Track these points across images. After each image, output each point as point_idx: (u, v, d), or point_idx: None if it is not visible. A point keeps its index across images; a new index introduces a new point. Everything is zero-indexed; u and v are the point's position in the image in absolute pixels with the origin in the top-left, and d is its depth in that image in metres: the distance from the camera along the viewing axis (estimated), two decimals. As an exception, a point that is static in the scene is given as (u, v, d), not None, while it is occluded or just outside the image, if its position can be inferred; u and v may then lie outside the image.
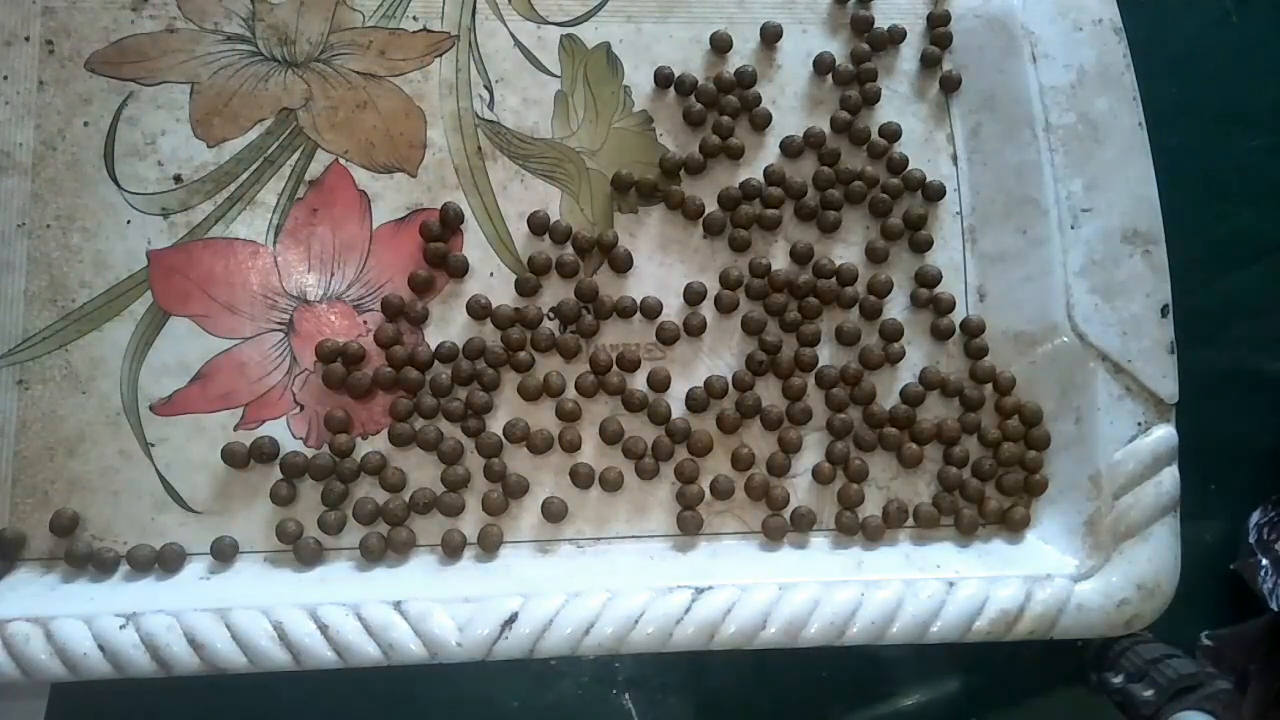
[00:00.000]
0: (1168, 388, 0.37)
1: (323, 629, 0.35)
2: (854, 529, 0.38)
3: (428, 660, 0.35)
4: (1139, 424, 0.37)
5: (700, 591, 0.34)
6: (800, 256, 0.40)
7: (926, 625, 0.37)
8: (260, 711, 0.37)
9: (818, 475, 0.39)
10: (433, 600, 0.33)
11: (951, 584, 0.37)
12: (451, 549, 0.36)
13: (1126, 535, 0.37)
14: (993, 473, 0.39)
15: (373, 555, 0.36)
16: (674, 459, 0.38)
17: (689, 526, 0.37)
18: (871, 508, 0.39)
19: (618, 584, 0.34)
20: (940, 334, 0.39)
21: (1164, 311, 0.37)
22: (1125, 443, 0.37)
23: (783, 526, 0.38)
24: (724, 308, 0.39)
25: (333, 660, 0.35)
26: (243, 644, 0.34)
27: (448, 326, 0.39)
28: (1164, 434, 0.36)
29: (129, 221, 0.38)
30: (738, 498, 0.38)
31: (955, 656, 0.38)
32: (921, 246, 0.41)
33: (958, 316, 0.41)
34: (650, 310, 0.39)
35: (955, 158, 0.42)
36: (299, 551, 0.36)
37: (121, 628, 0.34)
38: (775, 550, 0.38)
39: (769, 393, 0.39)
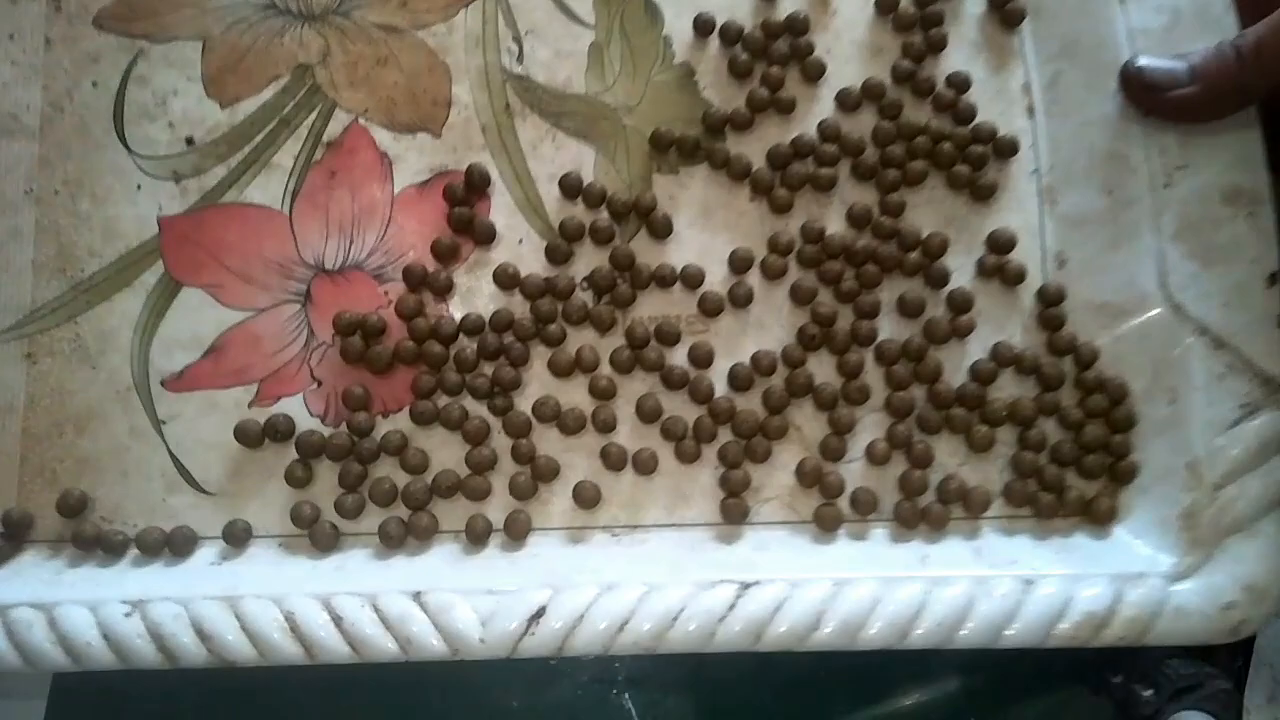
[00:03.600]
0: (1277, 365, 0.32)
1: (337, 621, 0.33)
2: (916, 520, 0.35)
3: (448, 657, 0.32)
4: (1243, 406, 0.33)
5: (746, 586, 0.31)
6: (858, 219, 0.37)
7: (1000, 628, 0.33)
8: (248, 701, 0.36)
9: (875, 459, 0.35)
10: (455, 591, 0.31)
11: (1029, 582, 0.33)
12: (476, 536, 0.34)
13: (1231, 530, 0.32)
14: (1074, 458, 0.35)
15: (392, 542, 0.33)
16: (717, 441, 0.35)
17: (733, 515, 0.34)
18: (935, 496, 0.35)
19: (655, 576, 0.31)
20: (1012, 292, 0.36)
21: (1271, 280, 0.34)
22: (1227, 427, 0.33)
23: (837, 516, 0.35)
24: (772, 276, 0.36)
25: (347, 655, 0.33)
26: (252, 635, 0.31)
27: (474, 297, 0.36)
28: (1272, 418, 0.32)
29: (139, 187, 0.37)
30: (786, 484, 0.35)
31: (955, 656, 0.34)
32: (985, 194, 0.37)
33: (1033, 285, 0.37)
34: (692, 279, 0.36)
35: (1031, 110, 0.38)
36: (314, 537, 0.34)
37: (127, 615, 0.32)
38: (829, 542, 0.34)
39: (822, 370, 0.36)
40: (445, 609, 0.31)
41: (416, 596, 0.31)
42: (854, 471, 0.35)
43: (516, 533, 0.34)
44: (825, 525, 0.35)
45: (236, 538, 0.34)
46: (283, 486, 0.34)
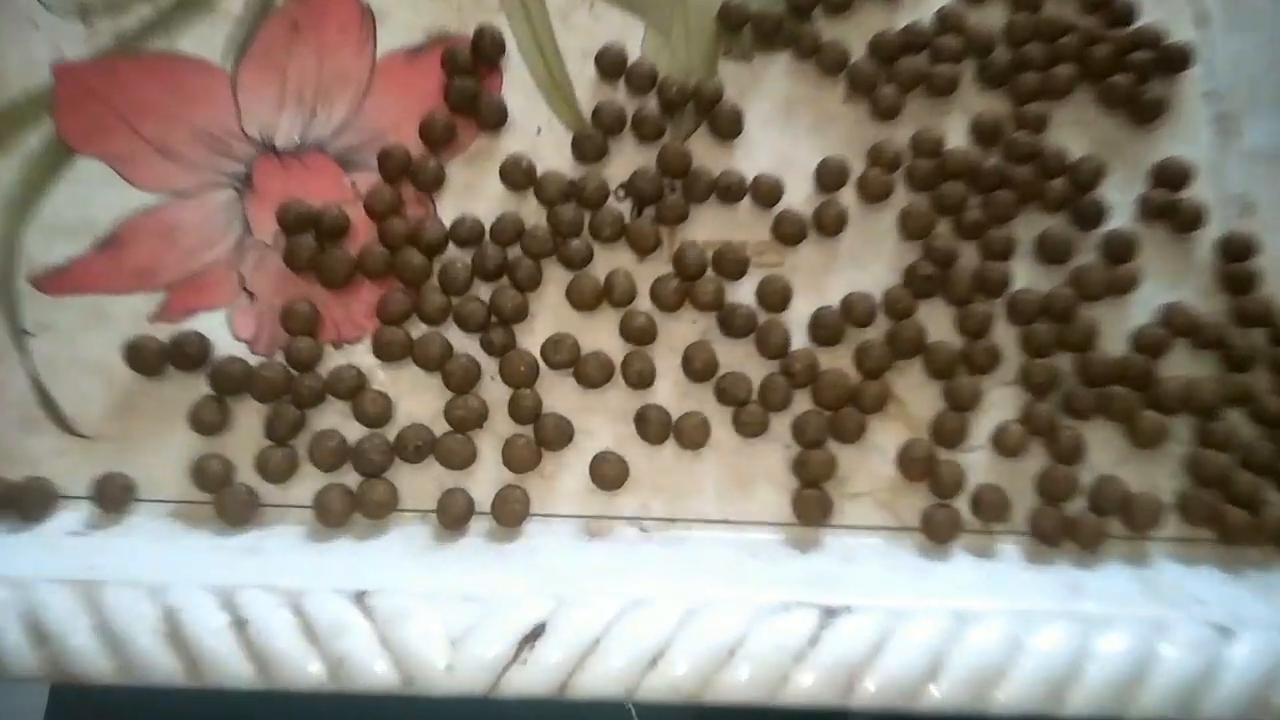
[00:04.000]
0: None
1: (238, 626, 0.23)
2: (1060, 534, 0.28)
3: (398, 689, 0.23)
4: None
5: (831, 614, 0.24)
6: (986, 133, 0.30)
7: (1192, 698, 0.24)
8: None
9: (1005, 448, 0.28)
10: (415, 595, 0.24)
11: (1225, 632, 0.25)
12: (452, 518, 0.27)
13: None
14: (1274, 464, 0.28)
15: (332, 518, 0.26)
16: (791, 410, 0.28)
17: (812, 513, 0.27)
18: (1087, 504, 0.29)
19: (700, 592, 0.24)
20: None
21: None
22: None
23: (953, 522, 0.28)
24: (873, 196, 0.30)
25: (248, 678, 0.23)
26: (112, 640, 0.23)
27: (472, 196, 0.30)
28: None
29: (35, 24, 0.30)
30: (884, 474, 0.28)
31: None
32: (1149, 114, 0.31)
33: (1212, 234, 0.31)
34: (766, 194, 0.29)
35: (1204, 18, 0.32)
36: (223, 504, 0.27)
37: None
38: (942, 558, 0.27)
39: (936, 323, 0.29)
40: (399, 619, 0.23)
41: (359, 599, 0.23)
42: (977, 463, 0.28)
43: (509, 517, 0.27)
44: (937, 534, 0.28)
45: (112, 498, 0.27)
46: (185, 433, 0.27)
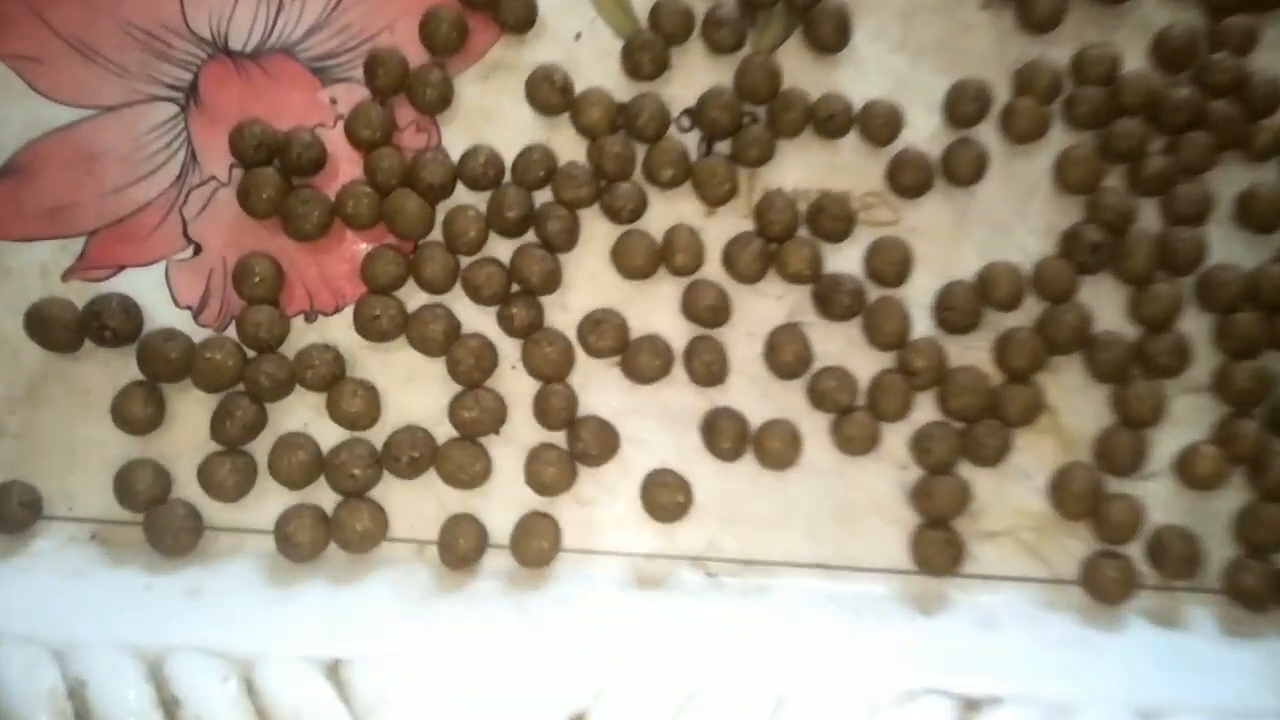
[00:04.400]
0: None
1: (168, 707, 0.20)
2: (1268, 597, 0.24)
3: None
4: None
5: (971, 708, 0.21)
6: (1174, 53, 0.26)
7: None
8: None
9: (1197, 478, 0.25)
10: (407, 666, 0.21)
11: None
12: (458, 555, 0.24)
13: None
14: None
15: (300, 552, 0.23)
16: (909, 419, 0.25)
17: (937, 558, 0.24)
18: None
19: (791, 672, 0.21)
20: None
21: None
22: None
23: (1125, 577, 0.24)
24: (1021, 136, 0.26)
25: None
26: None
27: (488, 122, 0.26)
28: None
29: None
30: (1032, 509, 0.25)
31: None
32: None
33: None
34: (879, 127, 0.26)
35: None
36: (155, 527, 0.23)
37: None
38: (1111, 626, 0.24)
39: (1104, 309, 0.25)
40: (383, 702, 0.20)
41: (332, 671, 0.21)
42: (1156, 497, 0.25)
43: (533, 555, 0.24)
44: (1104, 593, 0.24)
45: (10, 516, 0.24)
46: (107, 430, 0.24)
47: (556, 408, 0.23)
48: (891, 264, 0.24)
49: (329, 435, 0.24)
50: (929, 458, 0.24)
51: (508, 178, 0.25)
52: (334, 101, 0.25)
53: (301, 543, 0.23)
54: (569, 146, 0.25)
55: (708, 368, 0.24)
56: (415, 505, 0.24)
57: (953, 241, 0.25)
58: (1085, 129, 0.25)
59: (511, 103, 0.25)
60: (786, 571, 0.24)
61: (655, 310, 0.25)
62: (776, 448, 0.24)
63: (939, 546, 0.24)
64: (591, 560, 0.24)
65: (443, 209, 0.24)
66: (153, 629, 0.21)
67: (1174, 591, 0.24)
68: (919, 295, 0.25)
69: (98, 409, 0.24)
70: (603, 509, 0.24)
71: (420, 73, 0.25)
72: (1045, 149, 0.26)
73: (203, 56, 0.25)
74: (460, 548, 0.23)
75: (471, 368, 0.23)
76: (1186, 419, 0.25)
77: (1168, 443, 0.25)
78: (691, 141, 0.25)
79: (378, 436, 0.24)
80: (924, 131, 0.25)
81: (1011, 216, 0.25)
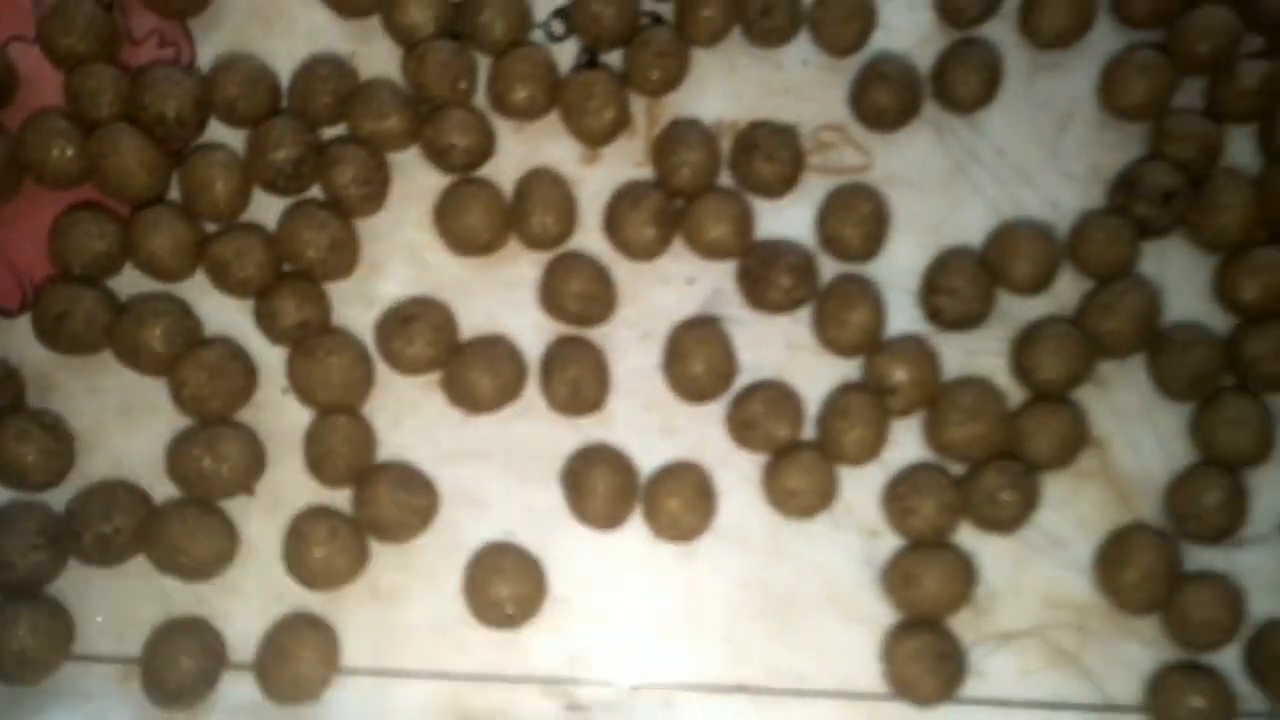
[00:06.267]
0: None
1: None
2: None
3: None
4: None
5: None
6: None
7: None
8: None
9: None
10: None
11: None
12: (170, 688, 0.16)
13: None
14: None
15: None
16: (882, 461, 0.18)
17: (924, 680, 0.17)
18: None
19: None
20: None
21: None
22: None
23: (1218, 703, 0.17)
24: (1052, 32, 0.19)
25: None
26: None
27: (267, 32, 0.19)
28: None
29: None
30: (1071, 596, 0.18)
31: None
32: None
33: None
34: (840, 26, 0.19)
35: None
36: None
37: None
38: None
39: (1179, 286, 0.19)
40: None
41: None
42: (1262, 573, 0.18)
43: (293, 685, 0.17)
44: None
45: None
46: None
47: (338, 452, 0.17)
48: (857, 226, 0.18)
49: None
50: (912, 520, 0.18)
51: (285, 104, 0.18)
52: (40, 3, 0.19)
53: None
54: (385, 63, 0.19)
55: (574, 387, 0.17)
56: (122, 605, 0.17)
57: (950, 194, 0.19)
58: (1146, 25, 0.19)
59: (302, 1, 0.19)
60: (692, 698, 0.18)
61: (502, 301, 0.19)
62: (676, 509, 0.17)
63: (931, 662, 0.17)
64: (389, 687, 0.18)
65: (193, 149, 0.18)
66: None
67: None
68: (898, 274, 0.19)
69: None
70: (410, 607, 0.18)
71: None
72: (1087, 55, 0.19)
73: None
74: (175, 674, 0.16)
75: (206, 392, 0.17)
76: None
77: (1278, 491, 0.19)
78: (568, 55, 0.19)
79: (59, 499, 0.17)
80: (908, 35, 0.19)
81: (1037, 155, 0.19)
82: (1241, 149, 0.19)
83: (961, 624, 0.18)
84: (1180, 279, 0.19)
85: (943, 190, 0.19)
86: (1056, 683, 0.18)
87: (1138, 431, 0.19)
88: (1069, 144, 0.19)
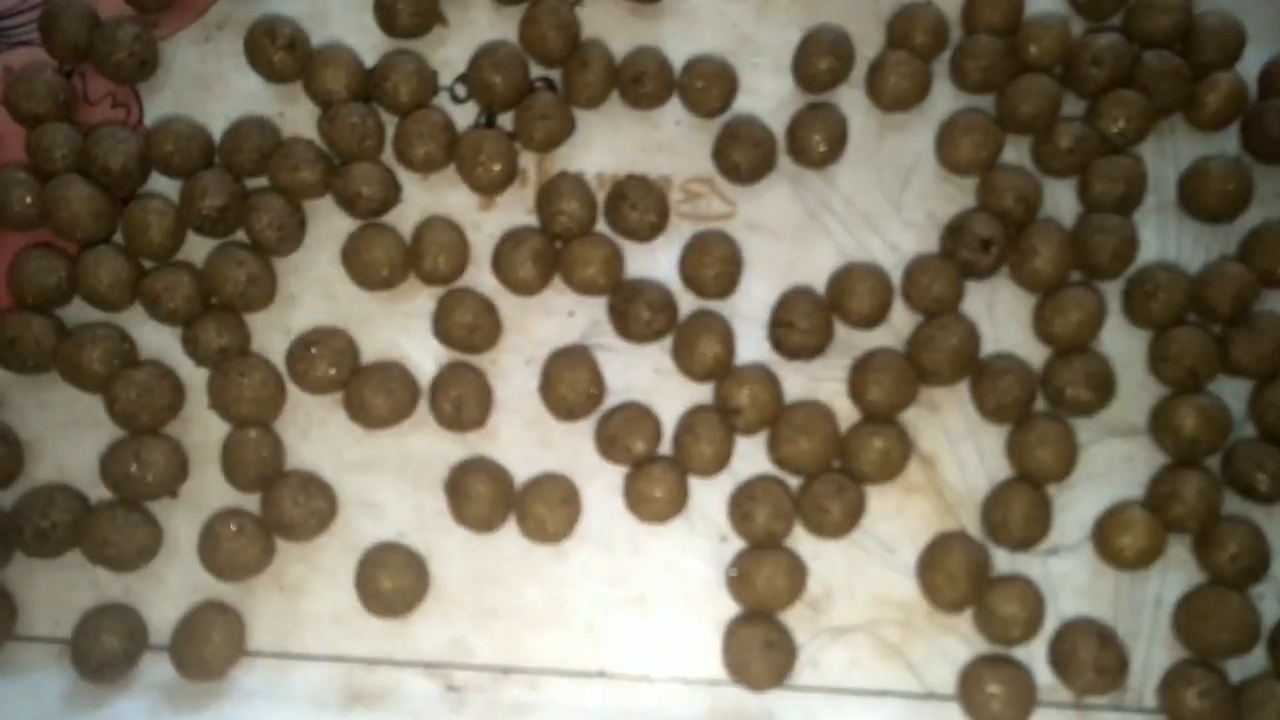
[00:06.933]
0: None
1: None
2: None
3: None
4: None
5: None
6: None
7: None
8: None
9: (1119, 551, 0.19)
10: None
11: None
12: (92, 664, 0.18)
13: None
14: None
15: None
16: (730, 472, 0.20)
17: (757, 668, 0.19)
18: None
19: None
20: None
21: None
22: None
23: (1020, 693, 0.18)
24: (894, 101, 0.21)
25: None
26: None
27: (207, 95, 0.21)
28: None
29: None
30: (895, 596, 0.20)
31: None
32: None
33: None
34: (704, 91, 0.21)
35: None
36: None
37: None
38: None
39: (1000, 324, 0.21)
40: None
41: None
42: (1064, 579, 0.20)
43: (202, 664, 0.18)
44: (992, 713, 0.18)
45: None
46: None
47: (248, 459, 0.19)
48: (711, 268, 0.19)
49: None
50: (749, 525, 0.19)
51: (218, 160, 0.20)
52: (10, 70, 0.20)
53: None
54: (307, 123, 0.20)
55: (455, 406, 0.19)
56: (59, 592, 0.19)
57: (803, 239, 0.21)
58: (978, 91, 0.21)
59: (237, 69, 0.21)
60: (557, 682, 0.19)
61: (402, 330, 0.20)
62: (541, 514, 0.19)
63: (760, 649, 0.18)
64: (290, 669, 0.19)
65: (133, 208, 0.20)
66: None
67: (1087, 711, 0.19)
68: (752, 309, 0.20)
69: None
70: (309, 599, 0.19)
71: (108, 32, 0.20)
72: (928, 116, 0.21)
73: None
74: (100, 652, 0.18)
75: (133, 406, 0.18)
76: (1109, 472, 0.20)
77: (1082, 505, 0.20)
78: (464, 115, 0.21)
79: (5, 499, 0.19)
80: (768, 98, 0.21)
81: (882, 205, 0.21)
82: (1063, 200, 0.21)
83: (798, 619, 0.19)
84: (1006, 314, 0.20)
85: (797, 235, 0.21)
86: (882, 673, 0.19)
87: (963, 449, 0.20)
88: (910, 195, 0.21)
